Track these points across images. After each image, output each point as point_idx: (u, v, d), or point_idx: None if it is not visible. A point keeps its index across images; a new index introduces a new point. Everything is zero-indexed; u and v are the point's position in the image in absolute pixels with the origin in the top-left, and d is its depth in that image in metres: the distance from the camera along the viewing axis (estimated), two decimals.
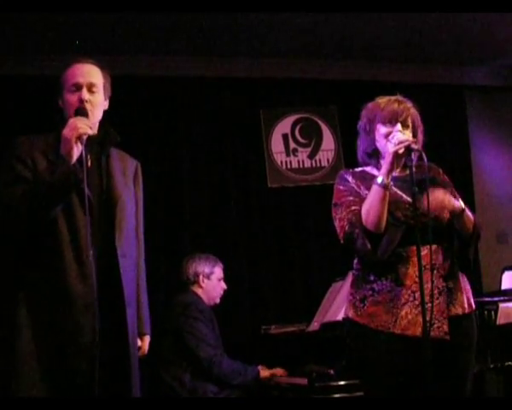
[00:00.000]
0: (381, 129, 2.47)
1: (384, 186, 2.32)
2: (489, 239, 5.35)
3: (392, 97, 2.52)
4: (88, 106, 2.41)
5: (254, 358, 4.03)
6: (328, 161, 5.16)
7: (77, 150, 2.28)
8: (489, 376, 3.97)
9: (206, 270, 3.99)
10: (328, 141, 5.19)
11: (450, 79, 5.45)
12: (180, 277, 4.03)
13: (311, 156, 5.18)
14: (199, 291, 3.97)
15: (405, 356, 2.34)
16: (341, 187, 2.50)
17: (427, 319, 2.29)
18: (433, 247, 2.33)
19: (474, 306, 2.49)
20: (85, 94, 2.42)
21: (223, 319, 4.10)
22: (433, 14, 4.32)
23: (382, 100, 2.52)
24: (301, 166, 5.15)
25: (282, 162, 5.11)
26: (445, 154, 5.23)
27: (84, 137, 2.29)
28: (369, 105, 2.56)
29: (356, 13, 4.22)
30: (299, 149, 5.18)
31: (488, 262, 5.23)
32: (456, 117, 5.49)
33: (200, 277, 3.97)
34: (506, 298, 3.81)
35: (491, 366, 3.62)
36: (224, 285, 4.06)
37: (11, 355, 2.31)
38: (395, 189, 2.43)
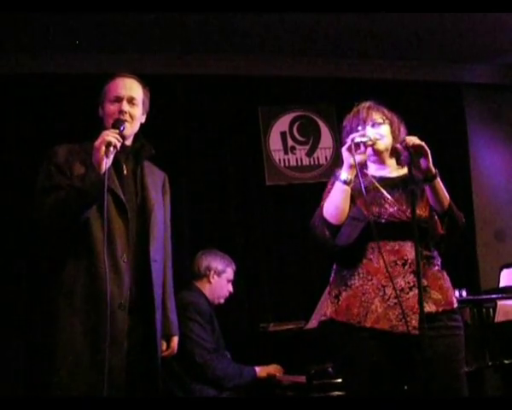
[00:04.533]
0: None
1: (344, 182, 2.47)
2: (487, 237, 5.36)
3: (366, 104, 2.63)
4: (127, 117, 2.58)
5: (253, 356, 4.03)
6: (326, 158, 5.16)
7: (106, 160, 2.40)
8: (487, 374, 3.97)
9: (220, 267, 3.95)
10: (327, 139, 5.19)
11: (449, 76, 5.44)
12: (190, 269, 4.00)
13: (310, 154, 5.18)
14: (205, 287, 3.92)
15: (376, 350, 2.38)
16: (329, 185, 2.64)
17: (396, 313, 2.35)
18: (408, 243, 2.41)
19: (454, 304, 2.46)
20: (125, 105, 2.59)
21: (221, 317, 4.08)
22: (432, 13, 4.32)
23: (353, 109, 2.66)
24: (299, 164, 5.15)
25: (280, 160, 5.11)
26: (444, 151, 5.20)
27: (111, 149, 2.40)
28: (347, 116, 2.70)
29: (354, 12, 4.21)
30: (298, 146, 5.18)
31: (486, 260, 5.23)
32: (455, 115, 5.49)
33: (212, 272, 3.92)
34: (504, 296, 3.82)
35: (490, 363, 3.62)
36: (230, 288, 4.01)
37: (53, 353, 2.46)
38: (381, 187, 2.53)
